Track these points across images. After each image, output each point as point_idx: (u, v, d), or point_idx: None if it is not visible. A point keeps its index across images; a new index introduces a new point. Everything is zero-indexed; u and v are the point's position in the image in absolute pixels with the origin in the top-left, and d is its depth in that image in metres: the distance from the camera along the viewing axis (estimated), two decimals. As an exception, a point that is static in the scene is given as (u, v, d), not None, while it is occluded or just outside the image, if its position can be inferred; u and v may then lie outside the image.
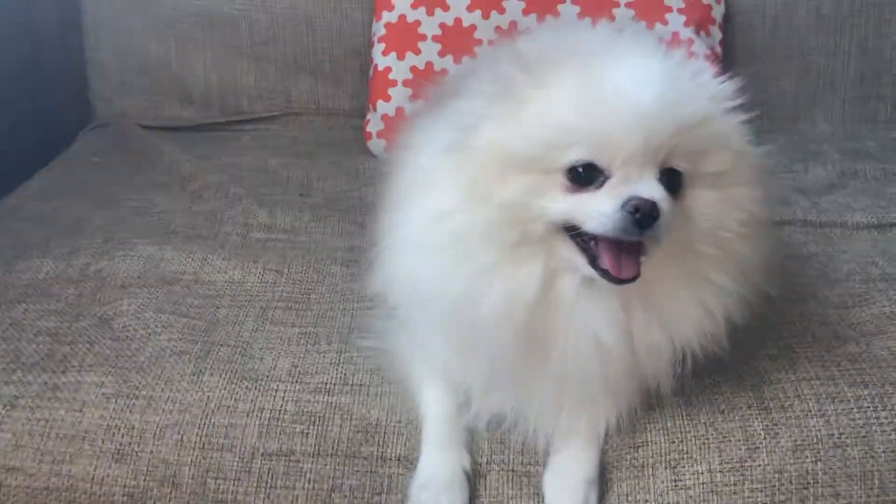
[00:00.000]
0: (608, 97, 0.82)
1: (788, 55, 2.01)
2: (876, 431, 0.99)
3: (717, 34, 1.90)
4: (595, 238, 0.84)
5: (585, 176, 0.82)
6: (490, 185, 0.84)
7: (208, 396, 1.01)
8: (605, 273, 0.83)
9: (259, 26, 1.97)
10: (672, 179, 0.84)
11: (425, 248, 0.90)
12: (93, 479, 0.95)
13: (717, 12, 1.91)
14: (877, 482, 0.98)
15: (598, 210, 0.81)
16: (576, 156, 0.82)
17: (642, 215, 0.79)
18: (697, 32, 1.84)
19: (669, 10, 1.86)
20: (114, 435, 0.98)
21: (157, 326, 1.11)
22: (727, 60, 1.93)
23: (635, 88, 0.82)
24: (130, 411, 0.99)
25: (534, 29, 0.92)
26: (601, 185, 0.82)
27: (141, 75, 2.00)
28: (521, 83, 0.85)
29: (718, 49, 1.89)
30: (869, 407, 1.01)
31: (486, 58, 0.98)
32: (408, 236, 0.92)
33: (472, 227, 0.85)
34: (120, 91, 2.00)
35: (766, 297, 0.96)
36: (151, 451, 0.97)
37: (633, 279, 0.83)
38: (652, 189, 0.81)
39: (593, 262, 0.84)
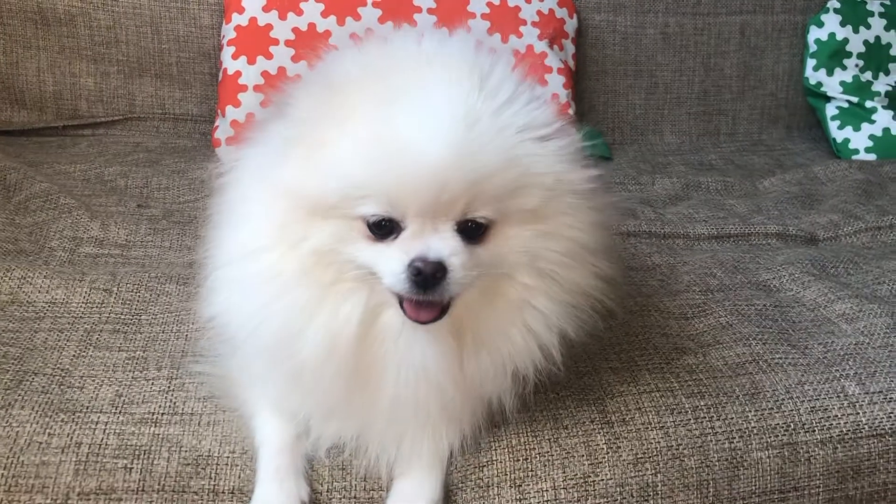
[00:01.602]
0: (396, 151, 0.76)
1: (638, 70, 2.08)
2: (711, 441, 1.02)
3: (570, 48, 1.94)
4: None
5: (383, 227, 0.79)
6: (299, 228, 0.81)
7: (17, 432, 0.92)
8: (408, 316, 0.81)
9: (99, 26, 1.86)
10: (476, 228, 0.80)
11: (240, 283, 0.86)
12: None
13: (570, 27, 1.95)
14: (712, 490, 1.00)
15: (389, 268, 0.78)
16: (368, 210, 0.78)
17: (424, 278, 0.76)
18: (551, 46, 1.88)
19: (524, 22, 1.88)
20: None
21: (-39, 354, 1.01)
22: (579, 74, 1.98)
23: (425, 141, 0.75)
24: (-77, 452, 0.89)
25: (344, 46, 0.85)
26: (397, 237, 0.79)
27: (-36, 74, 1.84)
28: (318, 121, 0.80)
29: (571, 63, 1.93)
30: (704, 417, 1.03)
31: (303, 78, 0.92)
32: (224, 268, 0.88)
33: (286, 267, 0.82)
34: (-61, 91, 1.83)
35: (607, 311, 0.96)
36: (-52, 496, 0.87)
37: (435, 320, 0.81)
38: (442, 246, 0.78)
39: (400, 303, 0.82)
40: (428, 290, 0.77)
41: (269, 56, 1.76)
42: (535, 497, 0.96)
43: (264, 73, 1.75)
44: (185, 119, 1.91)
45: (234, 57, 1.77)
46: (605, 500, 0.97)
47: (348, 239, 0.80)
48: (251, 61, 1.75)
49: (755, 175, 1.88)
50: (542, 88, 0.88)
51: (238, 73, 1.75)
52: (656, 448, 1.01)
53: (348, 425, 0.94)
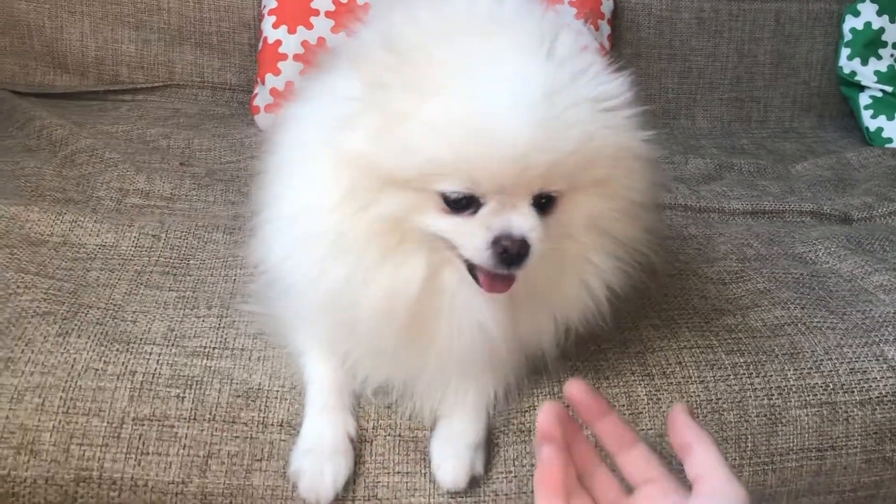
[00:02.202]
0: (480, 130, 0.75)
1: (672, 54, 2.09)
2: (750, 397, 1.03)
3: (606, 29, 1.95)
4: None
5: (461, 202, 0.79)
6: (367, 195, 0.80)
7: (74, 359, 0.94)
8: (484, 288, 0.82)
9: (142, -7, 1.88)
10: (548, 201, 0.81)
11: (302, 238, 0.86)
12: (-61, 446, 0.87)
13: (606, 7, 1.96)
14: (750, 445, 1.01)
15: (471, 243, 0.79)
16: (448, 186, 0.78)
17: (510, 256, 0.77)
18: (587, 25, 1.89)
19: (560, 1, 1.89)
20: (-36, 399, 0.89)
21: (18, 287, 1.03)
22: (614, 56, 1.98)
23: (510, 119, 0.75)
24: (-16, 373, 0.91)
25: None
26: (476, 211, 0.79)
27: (9, 37, 1.87)
28: (390, 90, 0.78)
29: (606, 43, 1.94)
30: (744, 374, 1.05)
31: (358, 36, 0.88)
32: (284, 221, 0.88)
33: (351, 229, 0.82)
34: (-15, 54, 1.86)
35: (649, 268, 0.96)
36: (7, 416, 0.89)
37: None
38: (523, 222, 0.78)
39: (471, 270, 0.83)
40: (511, 266, 0.79)
41: (309, 26, 1.78)
42: (575, 444, 0.98)
43: (304, 43, 1.77)
44: (223, 88, 1.93)
45: (275, 26, 1.79)
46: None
47: (422, 209, 0.80)
48: (291, 31, 1.77)
49: (787, 160, 1.88)
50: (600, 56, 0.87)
51: (278, 42, 1.77)
52: (696, 401, 1.02)
53: (397, 371, 0.95)
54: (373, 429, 0.96)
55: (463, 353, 0.88)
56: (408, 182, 0.79)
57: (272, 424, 0.94)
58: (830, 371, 1.06)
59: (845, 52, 2.09)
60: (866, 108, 2.04)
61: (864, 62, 2.06)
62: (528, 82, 0.76)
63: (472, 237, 0.79)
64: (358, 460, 0.93)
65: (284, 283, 0.94)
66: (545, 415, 0.68)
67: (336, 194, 0.81)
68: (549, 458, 0.67)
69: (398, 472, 0.94)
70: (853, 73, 2.08)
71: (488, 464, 0.95)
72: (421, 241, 0.82)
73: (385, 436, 0.95)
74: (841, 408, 1.04)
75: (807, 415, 1.03)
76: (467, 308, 0.86)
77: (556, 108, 0.76)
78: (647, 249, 0.91)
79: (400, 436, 0.96)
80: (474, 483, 0.93)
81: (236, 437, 0.93)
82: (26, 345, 0.95)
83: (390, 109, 0.77)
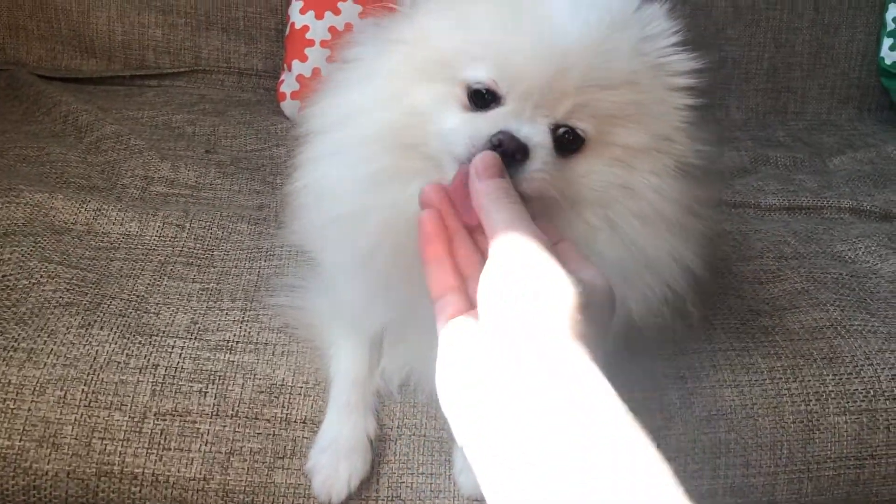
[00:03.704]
0: (528, 20, 0.72)
1: (706, 43, 2.03)
2: (786, 402, 1.00)
3: (640, 16, 1.91)
4: None
5: (481, 96, 0.74)
6: (401, 87, 0.77)
7: (97, 351, 0.93)
8: None
9: (169, -22, 1.86)
10: (570, 137, 0.74)
11: (333, 150, 0.82)
12: (-40, 438, 0.86)
13: (641, -6, 1.91)
14: (785, 452, 0.98)
15: (467, 132, 0.71)
16: (475, 74, 0.73)
17: (504, 150, 0.68)
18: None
19: (594, -12, 1.85)
20: (-14, 390, 0.89)
21: (42, 276, 1.02)
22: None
23: (561, 21, 0.71)
24: (7, 365, 0.90)
25: None
26: (491, 110, 0.73)
27: (36, 21, 1.85)
28: None
29: None
30: (780, 378, 1.01)
31: None
32: (322, 134, 0.84)
33: (377, 127, 0.78)
34: (13, 37, 1.85)
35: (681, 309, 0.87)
36: (29, 409, 0.88)
37: None
38: (531, 131, 0.71)
39: None
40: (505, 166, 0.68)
41: (336, 12, 1.75)
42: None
43: (331, 29, 1.74)
44: (249, 74, 1.91)
45: (302, 12, 1.76)
46: (678, 454, 0.96)
47: (445, 104, 0.75)
48: (319, 16, 1.75)
49: (824, 153, 1.83)
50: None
51: (305, 28, 1.75)
52: (730, 406, 0.99)
53: (412, 350, 0.91)
54: (397, 428, 0.94)
55: None
56: (443, 67, 0.75)
57: (295, 421, 0.92)
58: (871, 377, 1.02)
59: (887, 42, 2.02)
60: (907, 100, 1.98)
61: (907, 53, 1.99)
62: (603, 6, 0.72)
63: (476, 127, 0.71)
64: (381, 460, 0.92)
65: (315, 207, 0.89)
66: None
67: (368, 92, 0.79)
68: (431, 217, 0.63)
69: (422, 473, 0.92)
70: (894, 64, 2.01)
71: (515, 466, 0.93)
72: (429, 161, 0.76)
73: (410, 436, 0.94)
74: (882, 415, 1.00)
75: (846, 422, 1.00)
76: None
77: (616, 39, 0.72)
78: (674, 282, 0.82)
79: (424, 436, 0.94)
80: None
81: (259, 433, 0.91)
82: (49, 336, 0.94)
83: None
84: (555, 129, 0.73)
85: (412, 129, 0.76)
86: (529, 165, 0.70)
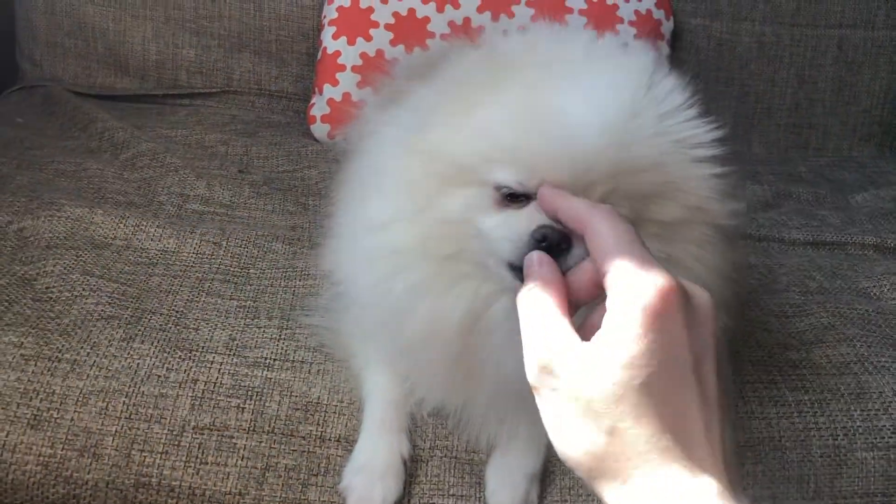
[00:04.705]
0: (550, 121, 0.72)
1: (730, 78, 2.06)
2: (814, 436, 1.00)
3: (665, 50, 1.93)
4: None
5: (514, 196, 0.74)
6: (431, 196, 0.78)
7: (138, 364, 0.95)
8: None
9: (205, 0, 1.90)
10: None
11: (364, 256, 0.85)
12: (4, 445, 0.87)
13: (666, 28, 1.94)
14: (812, 486, 0.99)
15: (512, 232, 0.73)
16: (506, 176, 0.74)
17: (549, 244, 0.69)
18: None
19: (620, 21, 1.88)
20: (31, 399, 0.90)
21: (83, 289, 1.04)
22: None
23: (582, 116, 0.71)
24: (51, 375, 0.92)
25: (511, 31, 0.83)
26: (524, 205, 0.74)
27: (74, 39, 1.90)
28: (477, 86, 0.78)
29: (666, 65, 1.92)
30: (808, 412, 1.02)
31: (452, 52, 0.91)
32: (350, 239, 0.89)
33: (409, 240, 0.80)
34: (50, 54, 1.90)
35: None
36: (72, 419, 0.90)
37: None
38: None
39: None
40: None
41: (368, 38, 1.78)
42: (633, 475, 0.96)
43: (363, 55, 1.77)
44: (280, 96, 1.94)
45: (335, 37, 1.79)
46: (705, 484, 0.96)
47: (478, 207, 0.76)
48: (351, 42, 1.78)
49: (846, 189, 1.84)
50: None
51: (337, 53, 1.78)
52: (758, 438, 1.00)
53: (451, 396, 0.93)
54: (429, 448, 0.95)
55: (509, 389, 0.82)
56: (469, 173, 0.76)
57: (330, 439, 0.94)
58: (899, 413, 1.03)
59: (909, 81, 2.05)
60: (929, 139, 1.99)
61: (929, 92, 2.01)
62: (614, 95, 0.73)
63: (515, 227, 0.73)
64: (413, 480, 0.93)
65: (351, 297, 0.94)
66: None
67: (396, 204, 0.81)
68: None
69: (453, 495, 0.93)
70: (917, 104, 2.04)
71: (543, 493, 0.94)
72: (474, 265, 0.78)
73: (441, 457, 0.95)
74: (909, 452, 1.01)
75: (873, 458, 1.00)
76: (511, 345, 0.78)
77: (634, 125, 0.72)
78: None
79: (456, 457, 0.95)
80: (528, 513, 0.91)
81: (294, 450, 0.93)
82: (91, 348, 0.96)
83: (465, 101, 0.77)
84: None
85: (448, 240, 0.78)
86: (575, 251, 0.69)
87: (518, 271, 0.72)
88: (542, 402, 0.58)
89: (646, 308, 0.54)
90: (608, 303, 0.56)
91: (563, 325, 0.58)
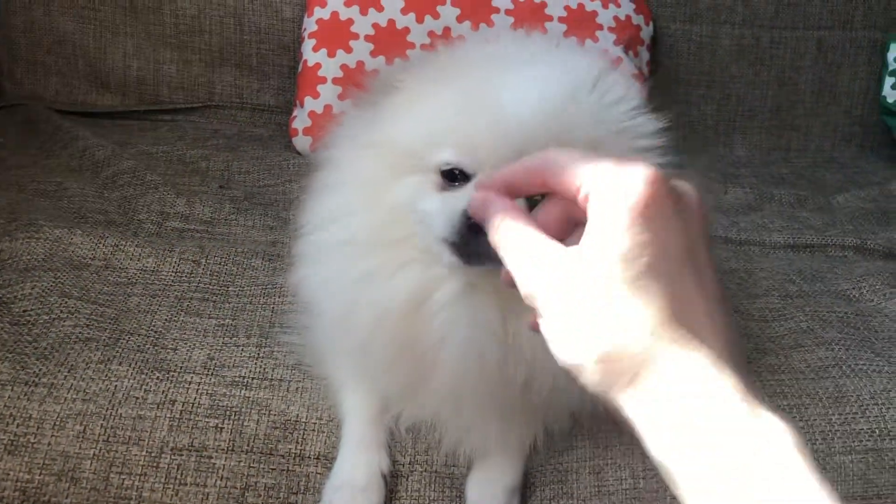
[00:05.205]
0: (485, 101, 0.75)
1: (711, 81, 2.07)
2: (793, 441, 1.01)
3: (645, 55, 1.94)
4: None
5: (454, 175, 0.77)
6: (382, 186, 0.81)
7: (115, 386, 0.95)
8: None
9: (185, 15, 1.90)
10: (540, 199, 0.72)
11: (320, 251, 0.87)
12: (-19, 471, 0.88)
13: (646, 34, 1.95)
14: (793, 491, 0.99)
15: (443, 212, 0.75)
16: (443, 156, 0.76)
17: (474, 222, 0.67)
18: (626, 52, 1.88)
19: (600, 27, 1.89)
20: (7, 425, 0.90)
21: (61, 312, 1.04)
22: (652, 82, 1.97)
23: (516, 94, 0.74)
24: (28, 399, 0.92)
25: (466, 36, 0.88)
26: (463, 186, 0.76)
27: (54, 57, 1.90)
28: (423, 81, 0.82)
29: (645, 70, 1.93)
30: (787, 417, 1.02)
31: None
32: (309, 236, 0.90)
33: (360, 230, 0.82)
34: (31, 72, 1.89)
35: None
36: (49, 443, 0.90)
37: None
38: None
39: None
40: (479, 235, 0.65)
41: (348, 50, 1.79)
42: (613, 485, 0.96)
43: (343, 67, 1.77)
44: (261, 109, 1.95)
45: (315, 49, 1.80)
46: (685, 492, 0.97)
47: (422, 192, 0.78)
48: (331, 54, 1.78)
49: (828, 190, 1.85)
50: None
51: (318, 66, 1.78)
52: (738, 444, 1.00)
53: (420, 410, 0.93)
54: (409, 464, 0.95)
55: (468, 386, 0.82)
56: (414, 159, 0.79)
57: (309, 457, 0.94)
58: (877, 416, 1.03)
59: (889, 81, 2.06)
60: (909, 138, 2.01)
61: (908, 92, 2.03)
62: (554, 85, 0.75)
63: (451, 204, 0.74)
64: (393, 496, 0.93)
65: (308, 304, 0.96)
66: None
67: (352, 195, 0.84)
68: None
69: (434, 509, 0.94)
70: (896, 103, 2.05)
71: (524, 504, 0.94)
72: (420, 251, 0.79)
73: (421, 472, 0.95)
74: (887, 455, 1.01)
75: (852, 461, 1.01)
76: (459, 329, 0.80)
77: (571, 111, 0.74)
78: None
79: (436, 472, 0.95)
80: (509, 526, 0.92)
81: (273, 469, 0.93)
82: (69, 371, 0.96)
83: (415, 93, 0.81)
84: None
85: (397, 225, 0.80)
86: None
87: (457, 248, 0.74)
88: (544, 325, 0.55)
89: (633, 198, 0.52)
90: (590, 209, 0.54)
91: (543, 240, 0.56)
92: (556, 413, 0.93)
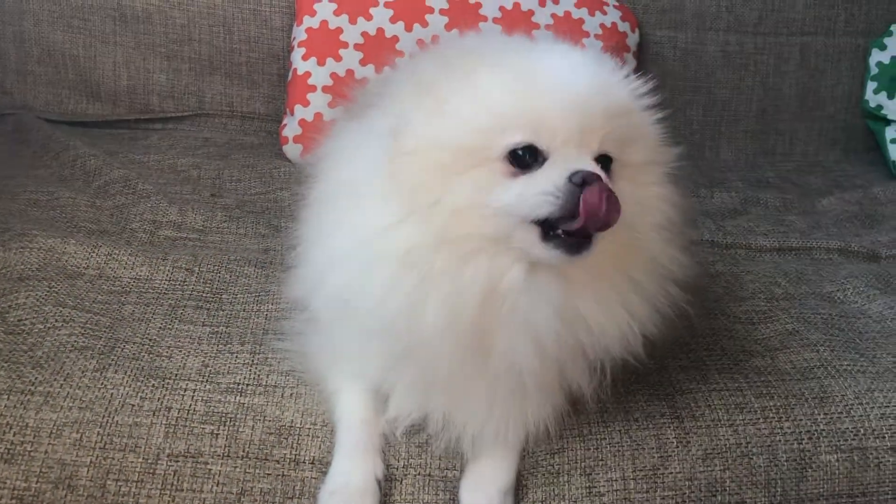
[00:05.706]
0: (542, 80, 0.82)
1: (696, 87, 2.10)
2: (780, 441, 1.03)
3: (632, 62, 1.96)
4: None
5: (526, 158, 0.81)
6: (435, 190, 0.81)
7: (111, 394, 0.96)
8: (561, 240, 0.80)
9: (174, 24, 1.91)
10: (604, 167, 0.83)
11: (367, 263, 0.84)
12: (-22, 480, 0.88)
13: (632, 41, 1.97)
14: (779, 490, 1.01)
15: (542, 190, 0.79)
16: (515, 138, 0.81)
17: (588, 184, 0.78)
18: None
19: (586, 34, 1.91)
20: (4, 433, 0.91)
21: (56, 321, 1.05)
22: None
23: (569, 73, 0.83)
24: (24, 408, 0.93)
25: (454, 36, 0.94)
26: (541, 167, 0.81)
27: (44, 66, 1.90)
28: (443, 79, 0.84)
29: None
30: (773, 417, 1.04)
31: (407, 63, 0.98)
32: (342, 250, 0.88)
33: (423, 236, 0.82)
34: (21, 82, 1.90)
35: (680, 311, 0.96)
36: (46, 451, 0.91)
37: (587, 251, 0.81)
38: (591, 167, 0.80)
39: (546, 237, 0.80)
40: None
41: (338, 58, 1.80)
42: (604, 486, 0.98)
43: (333, 75, 1.79)
44: (252, 117, 1.95)
45: (305, 58, 1.81)
46: (674, 493, 0.98)
47: (489, 185, 0.81)
48: (321, 63, 1.80)
49: (813, 194, 1.88)
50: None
51: (308, 74, 1.80)
52: (725, 445, 1.02)
53: (442, 401, 0.93)
54: (403, 467, 0.96)
55: (517, 369, 0.85)
56: (470, 153, 0.81)
57: (304, 462, 0.95)
58: (861, 416, 1.05)
59: (871, 85, 2.09)
60: (892, 141, 2.03)
61: (891, 96, 2.06)
62: (586, 59, 0.87)
63: (543, 185, 0.79)
64: (388, 500, 0.94)
65: (336, 315, 0.94)
66: None
67: (396, 207, 0.83)
68: None
69: (428, 513, 0.95)
70: (879, 107, 2.08)
71: (517, 506, 0.95)
72: (485, 242, 0.82)
73: (415, 475, 0.96)
74: (872, 454, 1.03)
75: (837, 460, 1.03)
76: (527, 315, 0.83)
77: (604, 78, 0.86)
78: (679, 292, 0.92)
79: (430, 475, 0.97)
80: (503, 527, 0.93)
81: (268, 474, 0.94)
82: (65, 379, 0.96)
83: (442, 91, 0.83)
84: (596, 159, 0.83)
85: (459, 222, 0.82)
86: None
87: (548, 230, 0.80)
88: None
89: None
90: None
91: None
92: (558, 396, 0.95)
